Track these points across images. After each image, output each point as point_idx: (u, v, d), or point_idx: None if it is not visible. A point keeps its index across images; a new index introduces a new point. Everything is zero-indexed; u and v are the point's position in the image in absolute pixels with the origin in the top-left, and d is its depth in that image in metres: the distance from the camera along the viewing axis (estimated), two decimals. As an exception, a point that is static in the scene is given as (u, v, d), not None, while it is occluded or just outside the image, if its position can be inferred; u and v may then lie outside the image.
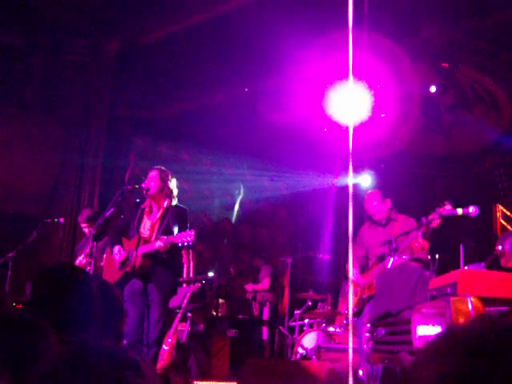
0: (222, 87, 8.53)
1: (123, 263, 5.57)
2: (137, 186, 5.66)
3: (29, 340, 2.03)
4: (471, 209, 4.76)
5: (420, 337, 3.79)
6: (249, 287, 9.68)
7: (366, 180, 10.37)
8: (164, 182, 5.72)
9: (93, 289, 2.55)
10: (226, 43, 7.68)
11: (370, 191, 6.28)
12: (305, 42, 7.29)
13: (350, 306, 5.97)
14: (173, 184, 5.79)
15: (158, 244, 5.38)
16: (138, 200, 5.87)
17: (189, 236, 5.29)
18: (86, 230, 6.80)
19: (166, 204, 5.70)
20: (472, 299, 3.49)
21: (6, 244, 6.65)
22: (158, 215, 5.68)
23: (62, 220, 7.05)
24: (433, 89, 8.42)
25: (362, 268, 6.26)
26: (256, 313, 9.57)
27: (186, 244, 5.33)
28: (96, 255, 6.06)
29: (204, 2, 7.99)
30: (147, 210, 5.73)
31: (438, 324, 3.64)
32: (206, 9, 8.10)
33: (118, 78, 9.10)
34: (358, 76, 8.30)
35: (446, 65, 8.23)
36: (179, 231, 5.46)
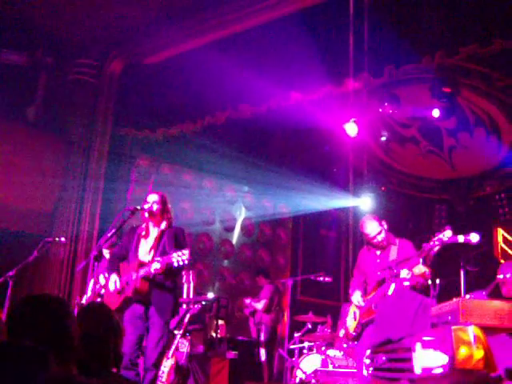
0: (225, 108, 8.57)
1: (122, 290, 5.56)
2: (138, 208, 5.66)
3: (30, 367, 2.05)
4: (472, 236, 4.75)
5: (420, 364, 3.78)
6: (246, 301, 9.67)
7: (365, 203, 10.38)
8: (164, 204, 5.75)
9: (71, 320, 2.54)
10: (230, 64, 7.74)
11: (365, 216, 6.27)
12: (313, 63, 7.35)
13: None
14: (170, 207, 5.84)
15: (154, 267, 5.36)
16: (134, 225, 5.87)
17: (183, 255, 5.25)
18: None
19: (163, 226, 5.71)
20: (473, 328, 3.49)
21: (7, 263, 6.63)
22: (155, 237, 5.69)
23: (63, 239, 7.04)
24: (436, 113, 8.45)
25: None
26: (254, 334, 9.54)
27: (181, 264, 5.27)
28: (98, 275, 6.08)
29: (208, 24, 8.06)
30: (144, 233, 5.73)
31: (439, 352, 3.64)
32: (209, 31, 8.18)
33: (121, 98, 9.16)
34: (359, 100, 8.36)
35: (447, 89, 8.28)
36: (175, 250, 5.43)
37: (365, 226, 6.04)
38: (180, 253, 5.26)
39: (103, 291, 5.97)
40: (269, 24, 7.56)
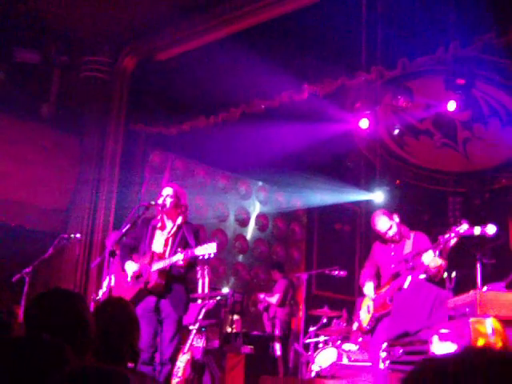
0: (239, 103, 8.55)
1: (137, 278, 5.54)
2: (152, 203, 5.64)
3: (49, 360, 2.06)
4: (489, 228, 4.71)
5: (438, 357, 3.76)
6: (260, 296, 9.67)
7: (380, 197, 10.33)
8: (179, 198, 5.71)
9: (87, 314, 2.55)
10: (243, 58, 7.73)
11: (375, 212, 6.21)
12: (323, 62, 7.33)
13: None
14: (186, 201, 5.79)
15: (177, 258, 5.33)
16: (148, 217, 5.82)
17: (210, 248, 5.24)
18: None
19: (180, 220, 5.66)
20: (491, 320, 3.46)
21: (23, 260, 6.67)
22: (172, 231, 5.65)
23: (78, 236, 7.06)
24: (452, 105, 8.34)
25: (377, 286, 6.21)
26: (268, 329, 9.53)
27: (207, 257, 5.25)
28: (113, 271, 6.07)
29: (220, 19, 8.05)
30: (160, 225, 5.70)
31: (457, 344, 3.61)
32: (222, 26, 8.17)
33: (134, 94, 9.17)
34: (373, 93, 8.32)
35: (462, 81, 8.21)
36: (196, 245, 5.40)
37: (375, 222, 6.00)
38: (206, 245, 5.23)
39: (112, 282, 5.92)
40: (281, 17, 7.53)
